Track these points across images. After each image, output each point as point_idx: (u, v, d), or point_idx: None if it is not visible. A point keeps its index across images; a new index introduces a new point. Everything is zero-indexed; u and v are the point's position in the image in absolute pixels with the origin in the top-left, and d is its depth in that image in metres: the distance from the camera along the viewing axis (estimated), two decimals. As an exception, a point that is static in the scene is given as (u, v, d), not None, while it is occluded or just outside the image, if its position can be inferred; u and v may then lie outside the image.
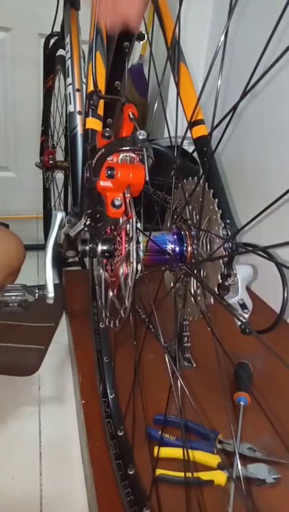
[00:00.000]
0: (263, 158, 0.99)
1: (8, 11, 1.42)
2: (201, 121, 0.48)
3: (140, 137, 0.34)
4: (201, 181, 0.44)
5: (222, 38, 0.36)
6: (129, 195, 0.38)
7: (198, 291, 0.46)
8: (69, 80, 0.77)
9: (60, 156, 1.22)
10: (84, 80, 0.73)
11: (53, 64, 1.11)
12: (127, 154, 0.37)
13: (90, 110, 0.48)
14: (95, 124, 0.49)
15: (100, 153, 0.37)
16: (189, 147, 1.00)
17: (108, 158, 0.37)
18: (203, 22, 1.27)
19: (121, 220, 0.40)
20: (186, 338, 0.65)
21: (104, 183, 0.37)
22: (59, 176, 1.27)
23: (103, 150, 0.37)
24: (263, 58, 0.32)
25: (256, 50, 0.32)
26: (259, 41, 0.94)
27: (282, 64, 0.85)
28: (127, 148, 0.35)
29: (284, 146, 0.91)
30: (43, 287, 0.49)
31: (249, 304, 0.44)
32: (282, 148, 0.91)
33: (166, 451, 0.52)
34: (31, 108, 1.59)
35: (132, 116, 0.35)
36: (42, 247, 0.51)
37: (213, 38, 1.26)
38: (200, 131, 0.47)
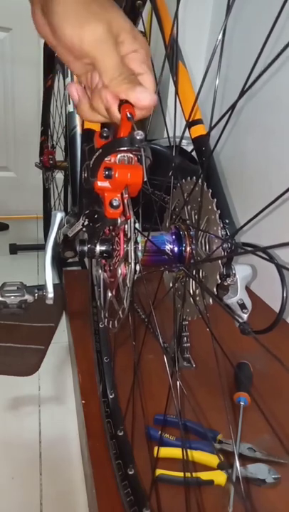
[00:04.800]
0: (262, 157, 0.99)
1: (8, 11, 1.42)
2: (199, 121, 0.48)
3: (138, 137, 0.34)
4: (200, 181, 0.44)
5: (220, 36, 0.36)
6: (127, 195, 0.38)
7: (197, 291, 0.46)
8: (68, 80, 0.77)
9: (59, 156, 1.22)
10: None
11: (52, 63, 1.11)
12: (125, 155, 0.36)
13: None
14: (93, 124, 0.49)
15: (97, 154, 0.37)
16: (189, 147, 1.00)
17: (106, 159, 0.37)
18: (203, 21, 1.27)
19: (119, 221, 0.40)
20: (185, 338, 0.65)
21: (102, 184, 0.37)
22: (59, 175, 1.27)
23: (101, 150, 0.37)
24: (261, 57, 0.32)
25: (254, 48, 0.32)
26: (257, 40, 0.93)
27: (280, 62, 0.85)
28: (125, 148, 0.35)
29: (284, 145, 0.90)
30: (42, 287, 0.49)
31: (248, 303, 0.44)
32: (282, 147, 0.91)
33: (166, 451, 0.52)
34: (31, 108, 1.59)
35: (129, 116, 0.35)
36: (42, 247, 0.51)
37: (213, 37, 1.25)
38: (198, 130, 0.47)
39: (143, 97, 0.33)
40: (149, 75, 0.35)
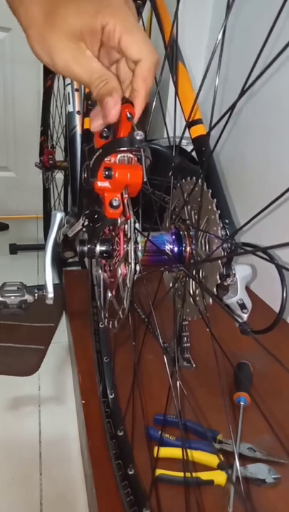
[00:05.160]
0: (262, 157, 0.99)
1: (8, 11, 1.42)
2: (199, 121, 0.48)
3: (138, 138, 0.34)
4: (200, 181, 0.44)
5: (219, 36, 0.36)
6: (127, 195, 0.38)
7: (197, 291, 0.46)
8: (68, 80, 0.77)
9: (59, 156, 1.22)
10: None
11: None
12: (125, 155, 0.37)
13: (89, 110, 0.48)
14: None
15: (97, 154, 0.37)
16: (189, 147, 0.99)
17: (106, 159, 0.37)
18: (203, 21, 1.27)
19: (119, 221, 0.40)
20: (185, 338, 0.65)
21: (102, 184, 0.37)
22: (59, 175, 1.27)
23: (101, 151, 0.37)
24: (261, 56, 0.32)
25: (254, 48, 0.32)
26: (257, 39, 0.93)
27: (280, 62, 0.85)
28: (125, 148, 0.35)
29: (284, 145, 0.90)
30: (42, 287, 0.49)
31: (248, 303, 0.44)
32: (282, 147, 0.91)
33: (166, 451, 0.52)
34: (31, 108, 1.59)
35: (129, 116, 0.35)
36: (42, 247, 0.51)
37: (213, 37, 1.25)
38: (198, 130, 0.47)
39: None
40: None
